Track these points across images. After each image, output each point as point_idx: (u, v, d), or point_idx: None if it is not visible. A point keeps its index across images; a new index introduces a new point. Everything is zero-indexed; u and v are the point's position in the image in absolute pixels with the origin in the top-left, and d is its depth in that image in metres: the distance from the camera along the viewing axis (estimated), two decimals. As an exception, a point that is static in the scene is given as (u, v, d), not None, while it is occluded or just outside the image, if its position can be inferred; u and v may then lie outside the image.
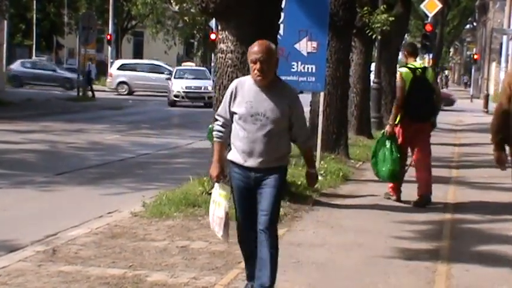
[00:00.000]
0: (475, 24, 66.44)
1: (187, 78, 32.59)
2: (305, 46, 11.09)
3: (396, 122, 9.44)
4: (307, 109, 13.28)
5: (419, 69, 9.45)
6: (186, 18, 41.27)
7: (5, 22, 33.13)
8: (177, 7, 39.64)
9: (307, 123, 12.70)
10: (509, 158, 6.28)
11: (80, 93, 32.60)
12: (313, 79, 11.22)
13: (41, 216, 8.54)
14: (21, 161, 13.15)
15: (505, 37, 42.65)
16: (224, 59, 8.57)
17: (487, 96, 36.83)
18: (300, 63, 11.14)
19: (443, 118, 24.97)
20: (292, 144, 5.24)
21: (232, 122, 5.10)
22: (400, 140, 9.44)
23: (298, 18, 10.93)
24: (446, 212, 9.09)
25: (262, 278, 4.99)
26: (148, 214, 8.14)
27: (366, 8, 15.66)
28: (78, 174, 11.74)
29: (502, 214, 9.08)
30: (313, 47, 11.10)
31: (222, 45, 8.63)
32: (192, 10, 36.64)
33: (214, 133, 5.23)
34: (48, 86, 38.82)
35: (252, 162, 5.03)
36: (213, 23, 34.53)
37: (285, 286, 5.71)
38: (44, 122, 20.77)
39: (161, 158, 14.55)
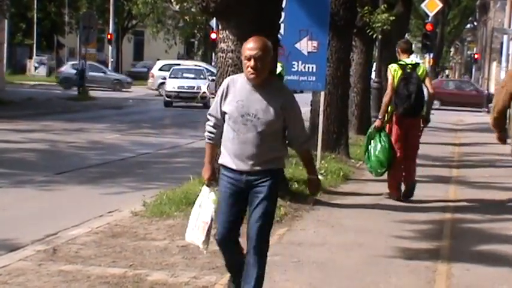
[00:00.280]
0: (475, 23, 66.34)
1: (182, 77, 32.00)
2: (305, 45, 11.10)
3: (386, 119, 9.55)
4: (307, 108, 13.46)
5: (410, 66, 9.54)
6: (186, 17, 41.33)
7: (6, 21, 33.12)
8: (177, 6, 39.54)
9: (308, 123, 12.80)
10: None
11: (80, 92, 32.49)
12: (314, 78, 11.25)
13: (41, 215, 8.53)
14: (21, 160, 13.15)
15: (505, 37, 42.56)
16: (224, 58, 8.57)
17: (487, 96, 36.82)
18: (300, 62, 11.16)
19: (448, 118, 25.03)
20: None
21: (224, 122, 4.83)
22: (393, 139, 9.51)
23: (298, 17, 10.94)
24: (446, 212, 9.09)
25: None
26: (149, 213, 8.13)
27: (366, 8, 15.67)
28: (79, 174, 11.74)
29: (502, 213, 9.09)
30: (314, 47, 11.11)
31: (222, 45, 8.62)
32: (192, 9, 36.60)
33: (205, 134, 4.98)
34: (99, 88, 38.71)
35: (242, 165, 4.74)
36: (213, 22, 34.46)
37: (286, 285, 5.70)
38: (44, 121, 20.77)
39: (161, 157, 14.55)
